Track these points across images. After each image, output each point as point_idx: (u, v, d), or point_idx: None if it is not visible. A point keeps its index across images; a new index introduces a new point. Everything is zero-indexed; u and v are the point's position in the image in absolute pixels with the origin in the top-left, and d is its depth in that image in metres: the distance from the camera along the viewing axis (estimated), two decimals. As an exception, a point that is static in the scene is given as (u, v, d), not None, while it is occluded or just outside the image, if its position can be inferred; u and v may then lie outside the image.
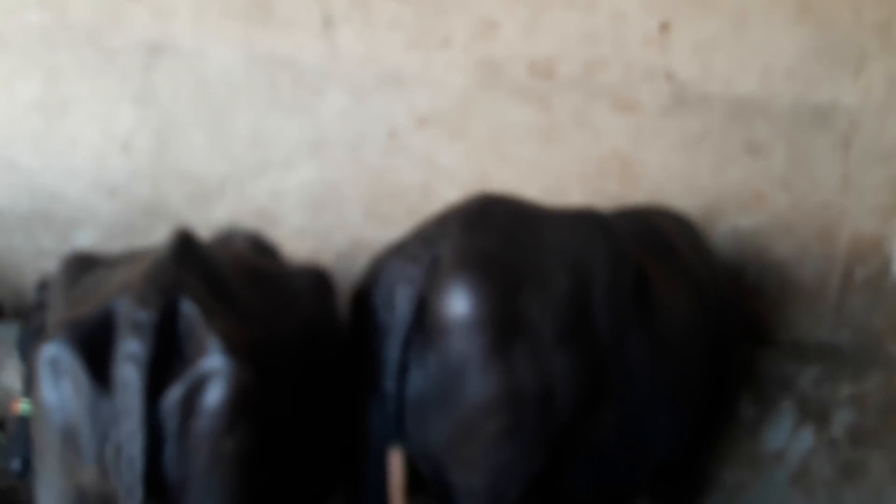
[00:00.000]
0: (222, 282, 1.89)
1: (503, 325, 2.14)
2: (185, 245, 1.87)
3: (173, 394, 1.68)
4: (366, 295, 2.36)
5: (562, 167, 4.32)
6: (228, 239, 2.82)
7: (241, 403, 1.71)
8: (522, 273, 2.23)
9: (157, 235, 2.65)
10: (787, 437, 3.99)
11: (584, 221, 2.48)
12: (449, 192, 3.72)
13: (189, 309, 1.72)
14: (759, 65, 4.41)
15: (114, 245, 3.11)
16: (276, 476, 1.93)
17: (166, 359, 1.69)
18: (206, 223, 3.95)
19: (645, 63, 4.31)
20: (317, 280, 2.26)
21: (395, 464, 2.20)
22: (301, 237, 4.12)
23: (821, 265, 4.62)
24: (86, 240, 3.95)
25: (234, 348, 1.69)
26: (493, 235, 2.28)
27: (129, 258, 2.03)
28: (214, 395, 1.68)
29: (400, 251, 2.33)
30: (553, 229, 2.39)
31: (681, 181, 4.43)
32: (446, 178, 4.20)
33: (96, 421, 1.67)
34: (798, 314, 4.64)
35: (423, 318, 2.18)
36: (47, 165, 3.94)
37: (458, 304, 2.13)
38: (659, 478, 3.10)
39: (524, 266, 2.25)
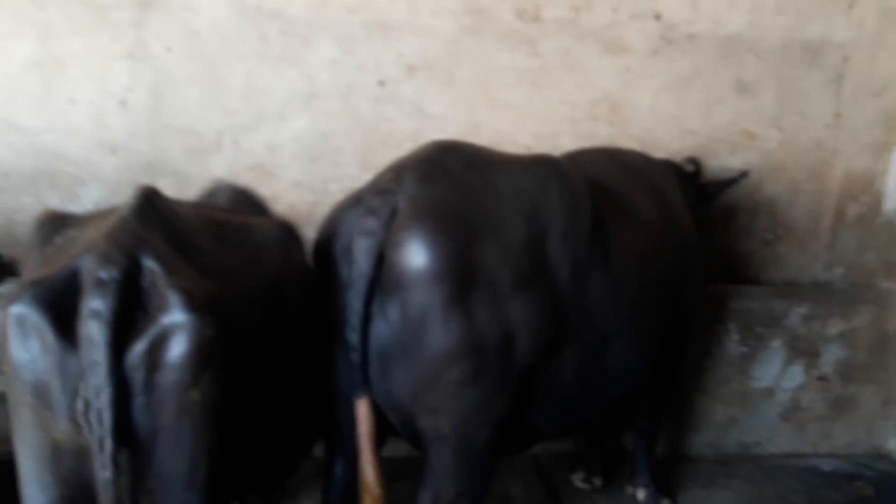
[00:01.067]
0: (185, 238, 1.91)
1: (461, 275, 2.16)
2: (147, 203, 1.89)
3: (138, 348, 1.71)
4: (325, 247, 2.36)
5: (552, 111, 4.34)
6: (215, 193, 2.83)
7: (203, 356, 1.73)
8: (479, 222, 2.24)
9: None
10: (777, 375, 4.06)
11: (539, 168, 2.47)
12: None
13: (151, 266, 1.75)
14: (749, 2, 4.38)
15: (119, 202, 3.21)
16: (246, 426, 1.95)
17: (130, 314, 1.73)
18: (205, 177, 4.06)
19: (632, 3, 4.29)
20: (282, 233, 2.24)
21: (363, 413, 2.23)
22: (298, 189, 4.20)
23: (813, 204, 4.64)
24: (91, 196, 4.05)
25: (194, 303, 1.72)
26: (449, 185, 2.28)
27: (98, 216, 2.04)
28: (177, 349, 1.72)
29: (357, 202, 2.32)
30: (508, 177, 2.38)
31: (671, 122, 4.44)
32: (438, 126, 4.22)
33: (65, 377, 1.71)
34: (790, 253, 4.67)
35: (383, 270, 2.19)
36: (48, 125, 4.00)
37: (416, 256, 2.14)
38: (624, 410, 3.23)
39: (480, 215, 2.25)
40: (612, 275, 2.53)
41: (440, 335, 2.16)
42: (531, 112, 4.32)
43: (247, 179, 4.12)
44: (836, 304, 4.06)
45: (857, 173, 4.43)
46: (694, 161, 3.75)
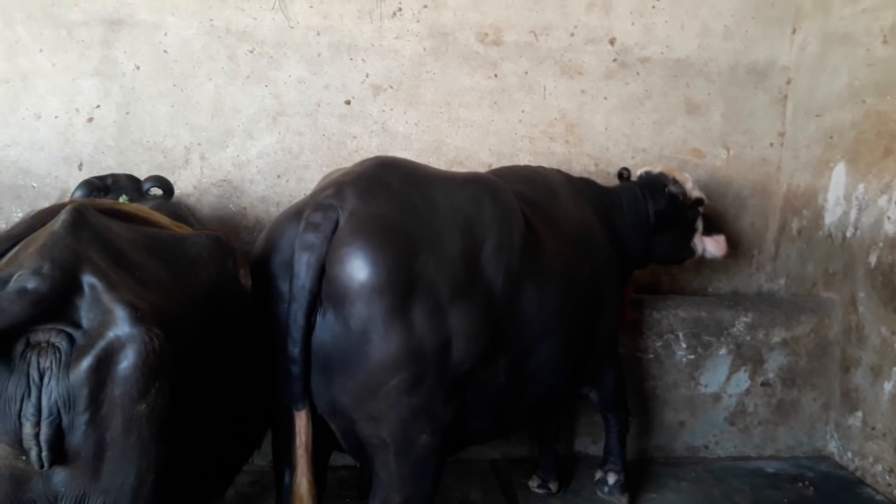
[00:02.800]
0: (120, 252, 1.87)
1: (402, 288, 2.21)
2: (79, 217, 1.83)
3: (81, 367, 1.66)
4: (266, 260, 2.38)
5: (512, 131, 4.52)
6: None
7: (152, 368, 1.71)
8: (418, 236, 2.30)
9: (121, 205, 2.82)
10: (723, 381, 4.23)
11: (474, 185, 2.58)
12: (405, 157, 3.89)
13: (91, 281, 1.71)
14: (698, 26, 4.62)
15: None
16: (190, 439, 1.96)
17: (65, 332, 1.69)
18: (174, 193, 4.15)
19: (588, 28, 4.51)
20: (215, 245, 2.21)
21: (301, 425, 2.28)
22: (264, 204, 4.30)
23: (758, 218, 4.89)
24: (56, 211, 4.10)
25: (141, 316, 1.70)
26: (388, 200, 2.34)
27: (26, 231, 1.96)
28: (125, 363, 1.68)
29: (298, 217, 2.33)
30: (445, 193, 2.46)
31: (623, 141, 4.65)
32: (402, 143, 4.38)
33: (2, 400, 1.65)
34: (737, 265, 4.91)
35: (325, 284, 2.23)
36: (13, 140, 4.04)
37: (359, 271, 2.18)
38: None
39: (419, 229, 2.32)
40: (541, 284, 2.67)
41: (381, 345, 2.21)
42: (492, 131, 4.49)
43: (214, 194, 4.25)
44: (779, 313, 4.24)
45: (800, 189, 4.66)
46: (625, 171, 3.95)
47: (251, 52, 4.20)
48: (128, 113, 4.13)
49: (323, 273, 2.24)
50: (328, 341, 2.27)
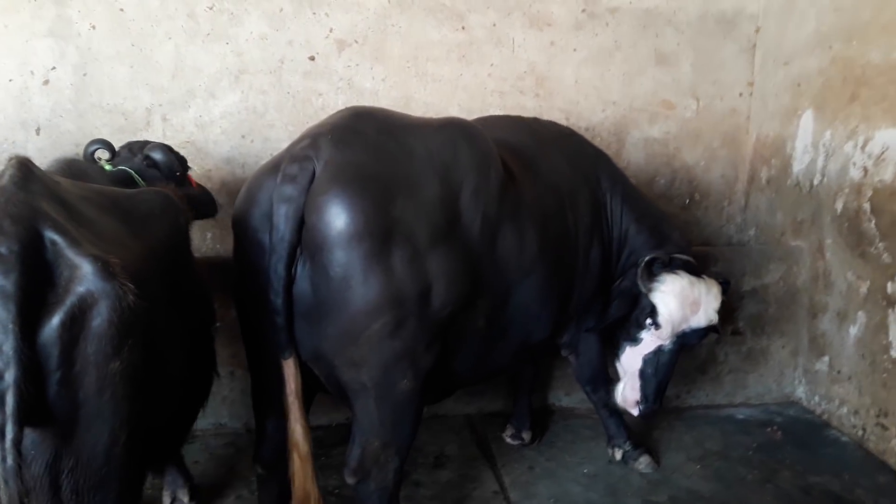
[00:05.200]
0: (74, 207, 1.80)
1: (380, 234, 2.23)
2: (28, 173, 1.75)
3: (53, 323, 1.60)
4: (245, 215, 2.40)
5: (481, 85, 4.46)
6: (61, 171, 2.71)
7: (126, 324, 1.67)
8: (395, 183, 2.31)
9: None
10: (695, 329, 4.28)
11: (450, 130, 2.57)
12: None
13: (53, 236, 1.64)
14: (667, -25, 4.56)
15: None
16: (157, 397, 1.93)
17: (37, 289, 1.60)
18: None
19: (556, -23, 4.43)
20: (165, 201, 2.19)
21: (290, 374, 2.31)
22: (229, 166, 4.23)
23: (728, 169, 4.90)
24: (17, 177, 4.00)
25: (111, 270, 1.65)
26: (364, 149, 2.34)
27: None
28: (98, 319, 1.64)
29: (275, 170, 2.35)
30: (421, 139, 2.47)
31: (594, 94, 4.61)
32: (369, 99, 4.30)
33: None
34: (707, 216, 4.94)
35: (304, 234, 2.25)
36: (-32, 104, 3.92)
37: (336, 218, 2.19)
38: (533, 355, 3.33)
39: (396, 176, 2.33)
40: (519, 228, 2.68)
41: (362, 291, 2.23)
42: (461, 86, 4.43)
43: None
44: (748, 262, 4.28)
45: (769, 138, 4.67)
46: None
47: (211, 8, 4.08)
48: (85, 75, 4.01)
49: (302, 224, 2.26)
50: (309, 291, 2.29)
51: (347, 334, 2.29)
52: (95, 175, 2.65)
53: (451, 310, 2.43)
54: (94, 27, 3.98)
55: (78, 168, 2.57)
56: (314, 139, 2.35)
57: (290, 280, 2.27)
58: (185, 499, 3.06)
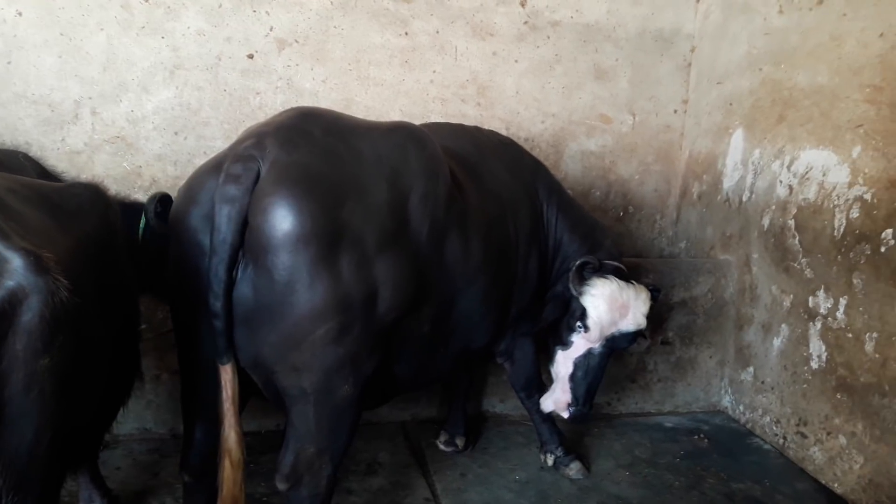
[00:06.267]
0: (1, 200, 1.75)
1: (327, 237, 2.18)
2: None
3: None
4: (184, 214, 2.32)
5: (423, 91, 4.46)
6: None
7: (58, 320, 1.62)
8: (343, 185, 2.26)
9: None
10: (626, 340, 4.37)
11: (399, 133, 2.54)
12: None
13: None
14: (607, -9, 4.66)
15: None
16: (81, 395, 1.87)
17: None
18: (61, 150, 3.91)
19: (500, -12, 4.47)
20: (94, 194, 2.12)
21: (227, 378, 2.25)
22: (161, 163, 4.10)
23: (661, 183, 5.03)
24: (-69, 168, 3.79)
25: (43, 265, 1.60)
26: (311, 150, 2.28)
27: None
28: (30, 314, 1.59)
29: (217, 169, 2.27)
30: (369, 142, 2.42)
31: (533, 105, 4.66)
32: (309, 100, 4.24)
33: None
34: (640, 228, 5.06)
35: (247, 236, 2.17)
36: None
37: (283, 220, 2.13)
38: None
39: (344, 179, 2.28)
40: (465, 236, 2.68)
41: (307, 296, 2.18)
42: (402, 91, 4.42)
43: (107, 152, 4.02)
44: (678, 274, 4.39)
45: (701, 155, 4.82)
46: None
47: (146, 0, 3.96)
48: (9, 63, 3.83)
49: (245, 226, 2.18)
50: (250, 294, 2.22)
51: (290, 339, 2.23)
52: (26, 167, 2.55)
53: (396, 315, 2.40)
54: (20, 13, 3.81)
55: (6, 159, 2.47)
56: (259, 138, 2.27)
57: (231, 283, 2.19)
58: None
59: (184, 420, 2.55)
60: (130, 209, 2.67)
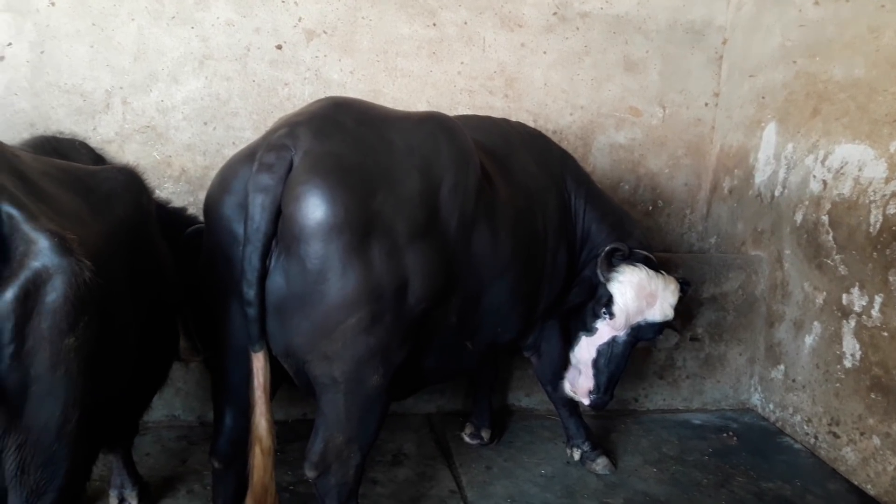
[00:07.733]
0: (34, 183, 1.78)
1: (360, 226, 2.18)
2: None
3: (7, 297, 1.58)
4: (218, 203, 2.33)
5: (450, 83, 4.43)
6: (39, 146, 2.65)
7: (81, 300, 1.65)
8: (375, 175, 2.27)
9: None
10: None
11: (431, 124, 2.54)
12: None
13: (9, 210, 1.62)
14: (638, -18, 4.59)
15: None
16: (111, 376, 1.91)
17: None
18: (92, 139, 3.94)
19: (529, -21, 4.43)
20: (129, 179, 2.15)
21: (259, 367, 2.26)
22: (190, 153, 4.12)
23: (691, 177, 4.96)
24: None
25: (67, 246, 1.63)
26: (344, 140, 2.29)
27: None
28: (53, 294, 1.61)
29: (251, 158, 2.28)
30: (401, 132, 2.43)
31: (562, 98, 4.62)
32: (337, 91, 4.23)
33: None
34: (669, 223, 4.99)
35: (281, 225, 2.19)
36: (-84, 79, 3.76)
37: (315, 209, 2.14)
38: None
39: (376, 168, 2.28)
40: (493, 228, 2.66)
41: (339, 285, 2.18)
42: (430, 82, 4.40)
43: (137, 141, 4.06)
44: (709, 270, 4.33)
45: (732, 149, 4.74)
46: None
47: (177, -9, 3.98)
48: (42, 52, 3.88)
49: (278, 214, 2.19)
50: (283, 283, 2.23)
51: (322, 328, 2.23)
52: (75, 155, 2.59)
53: (426, 306, 2.40)
54: (53, 3, 3.85)
55: (55, 146, 2.51)
56: (292, 128, 2.28)
57: (264, 272, 2.20)
58: (134, 502, 2.95)
59: (214, 407, 2.56)
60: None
